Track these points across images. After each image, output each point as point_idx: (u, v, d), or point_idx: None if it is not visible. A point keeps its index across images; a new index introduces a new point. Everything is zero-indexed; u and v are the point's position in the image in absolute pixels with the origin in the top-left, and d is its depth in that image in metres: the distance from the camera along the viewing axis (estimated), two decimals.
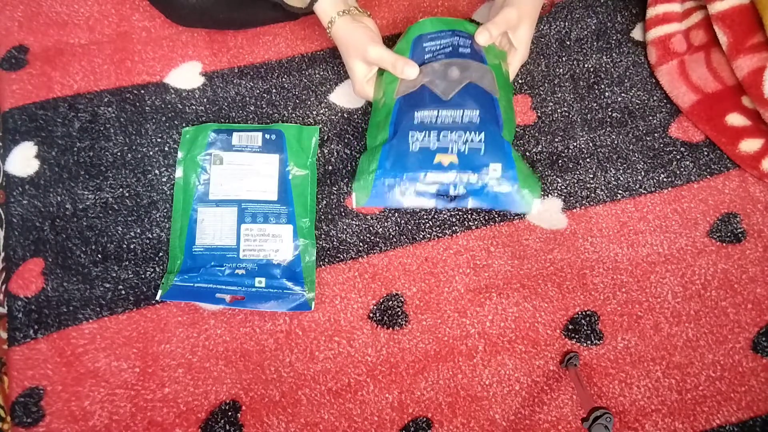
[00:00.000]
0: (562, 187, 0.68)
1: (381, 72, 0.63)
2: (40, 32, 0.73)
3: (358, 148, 0.69)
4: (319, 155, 0.69)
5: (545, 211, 0.67)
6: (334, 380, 0.62)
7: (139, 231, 0.66)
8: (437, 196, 0.55)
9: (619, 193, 0.68)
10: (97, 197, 0.67)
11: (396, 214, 0.67)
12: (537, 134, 0.70)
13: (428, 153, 0.54)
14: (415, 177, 0.55)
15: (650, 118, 0.71)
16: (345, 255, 0.66)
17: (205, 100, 0.71)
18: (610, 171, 0.69)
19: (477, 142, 0.54)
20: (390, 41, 0.73)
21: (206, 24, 0.71)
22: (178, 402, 0.61)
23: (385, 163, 0.55)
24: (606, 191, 0.68)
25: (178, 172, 0.67)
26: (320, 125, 0.70)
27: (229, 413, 0.61)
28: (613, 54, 0.74)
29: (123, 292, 0.64)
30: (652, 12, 0.73)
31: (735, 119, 0.69)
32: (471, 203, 0.55)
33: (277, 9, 0.63)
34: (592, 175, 0.69)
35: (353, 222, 0.67)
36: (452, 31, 0.60)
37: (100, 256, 0.65)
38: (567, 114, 0.71)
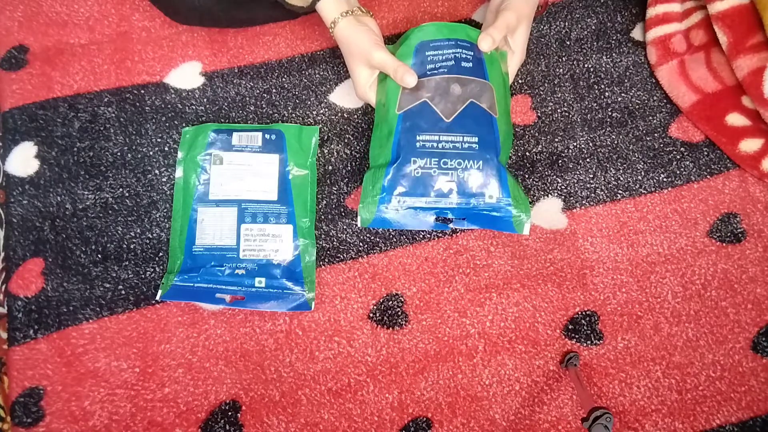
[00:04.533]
0: (562, 187, 0.68)
1: (382, 77, 0.63)
2: (40, 32, 0.73)
3: (358, 148, 0.69)
4: (319, 155, 0.69)
5: (545, 211, 0.67)
6: (334, 380, 0.62)
7: (139, 231, 0.66)
8: (436, 219, 0.59)
9: (619, 193, 0.68)
10: (97, 197, 0.67)
11: None
12: (537, 134, 0.70)
13: (429, 179, 0.57)
14: (417, 202, 0.58)
15: (650, 118, 0.71)
16: (345, 255, 0.66)
17: (205, 100, 0.71)
18: (610, 171, 0.69)
19: (475, 169, 0.57)
20: (389, 41, 0.73)
21: (206, 23, 0.71)
22: (178, 402, 0.61)
23: (388, 188, 0.58)
24: (606, 191, 0.68)
25: (178, 172, 0.67)
26: (320, 125, 0.70)
27: (229, 413, 0.61)
28: (613, 54, 0.74)
29: (123, 292, 0.64)
30: (652, 12, 0.73)
31: (735, 119, 0.69)
32: (468, 226, 0.60)
33: (278, 8, 0.63)
34: (592, 175, 0.69)
35: (353, 222, 0.67)
36: (455, 41, 0.61)
37: (100, 256, 0.65)
38: (567, 114, 0.71)
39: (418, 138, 0.58)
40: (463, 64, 0.60)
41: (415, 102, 0.59)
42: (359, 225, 0.60)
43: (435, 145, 0.57)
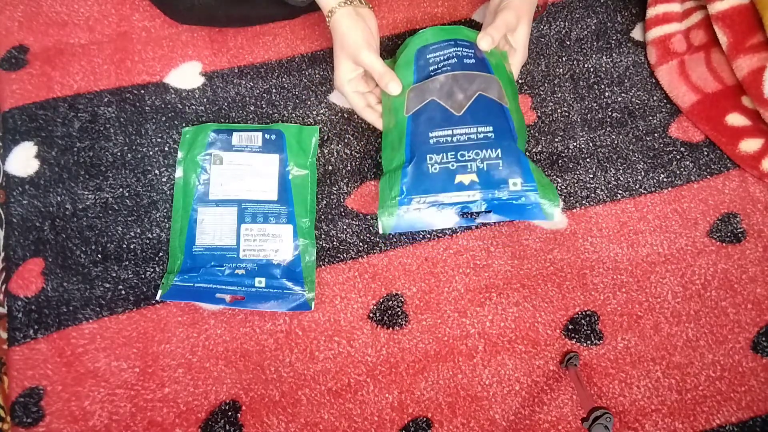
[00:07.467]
0: (562, 187, 0.68)
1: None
2: (40, 32, 0.73)
3: (358, 148, 0.69)
4: (319, 155, 0.69)
5: None
6: (334, 380, 0.62)
7: (139, 231, 0.66)
8: (461, 215, 0.55)
9: (619, 193, 0.68)
10: (97, 197, 0.67)
11: None
12: (537, 134, 0.70)
13: (448, 173, 0.54)
14: (438, 198, 0.55)
15: (650, 118, 0.71)
16: (345, 255, 0.66)
17: (205, 100, 0.71)
18: (610, 171, 0.69)
19: (494, 158, 0.54)
20: (389, 41, 0.73)
21: (206, 22, 0.71)
22: (178, 402, 0.61)
23: (407, 189, 0.55)
24: (606, 191, 0.68)
25: (178, 172, 0.67)
26: (320, 125, 0.70)
27: (229, 413, 0.61)
28: (613, 54, 0.74)
29: (123, 292, 0.64)
30: (652, 12, 0.73)
31: (735, 119, 0.69)
32: (494, 218, 0.56)
33: (277, 5, 0.63)
34: (592, 175, 0.69)
35: (353, 222, 0.67)
36: (454, 41, 0.61)
37: (100, 256, 0.65)
38: (567, 114, 0.71)
39: (430, 135, 0.56)
40: (466, 60, 0.59)
41: (422, 103, 0.58)
42: (381, 232, 0.57)
43: (449, 139, 0.55)
